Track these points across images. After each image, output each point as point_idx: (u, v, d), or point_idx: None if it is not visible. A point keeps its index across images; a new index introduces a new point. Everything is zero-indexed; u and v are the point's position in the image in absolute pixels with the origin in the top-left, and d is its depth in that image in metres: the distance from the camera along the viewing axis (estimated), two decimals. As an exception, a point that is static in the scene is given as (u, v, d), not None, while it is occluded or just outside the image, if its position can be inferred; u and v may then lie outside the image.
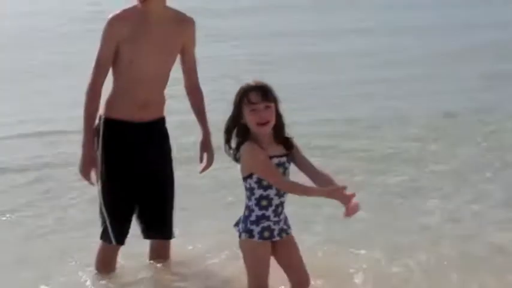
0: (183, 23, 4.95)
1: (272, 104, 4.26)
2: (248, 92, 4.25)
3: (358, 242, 5.63)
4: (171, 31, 4.87)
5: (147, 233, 5.08)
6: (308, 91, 10.96)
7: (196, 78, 5.13)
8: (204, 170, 5.13)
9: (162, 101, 5.01)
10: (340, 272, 5.13)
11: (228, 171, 6.24)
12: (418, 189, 7.01)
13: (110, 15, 4.81)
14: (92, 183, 4.88)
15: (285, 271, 4.51)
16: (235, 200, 6.24)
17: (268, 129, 4.27)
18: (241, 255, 4.44)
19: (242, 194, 4.47)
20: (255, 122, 4.23)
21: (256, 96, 4.23)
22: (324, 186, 4.25)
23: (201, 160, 5.11)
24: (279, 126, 4.32)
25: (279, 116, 4.32)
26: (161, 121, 5.02)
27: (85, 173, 4.83)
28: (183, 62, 5.05)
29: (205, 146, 5.10)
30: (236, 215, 4.50)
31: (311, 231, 5.82)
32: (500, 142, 8.40)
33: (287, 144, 4.35)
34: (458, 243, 5.69)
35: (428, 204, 6.60)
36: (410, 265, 5.29)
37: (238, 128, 4.30)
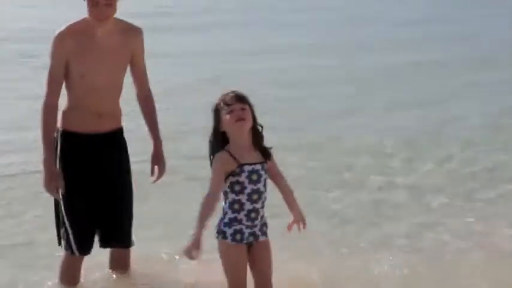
0: (131, 33, 4.99)
1: (247, 107, 4.43)
2: (224, 97, 4.45)
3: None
4: (119, 42, 4.91)
5: (106, 242, 5.10)
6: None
7: (147, 87, 5.17)
8: (156, 181, 5.19)
9: (117, 112, 5.04)
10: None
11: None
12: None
13: (57, 31, 4.83)
14: (58, 197, 4.88)
15: (253, 276, 4.56)
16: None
17: (246, 125, 4.40)
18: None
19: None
20: (233, 120, 4.37)
21: (231, 98, 4.42)
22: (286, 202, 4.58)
23: (152, 173, 5.17)
24: (256, 130, 4.47)
25: (255, 122, 4.47)
26: (118, 131, 5.06)
27: (50, 187, 4.84)
28: (133, 72, 5.08)
29: (157, 158, 5.15)
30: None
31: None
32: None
33: (265, 152, 4.48)
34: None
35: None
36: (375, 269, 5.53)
37: (217, 138, 4.43)
